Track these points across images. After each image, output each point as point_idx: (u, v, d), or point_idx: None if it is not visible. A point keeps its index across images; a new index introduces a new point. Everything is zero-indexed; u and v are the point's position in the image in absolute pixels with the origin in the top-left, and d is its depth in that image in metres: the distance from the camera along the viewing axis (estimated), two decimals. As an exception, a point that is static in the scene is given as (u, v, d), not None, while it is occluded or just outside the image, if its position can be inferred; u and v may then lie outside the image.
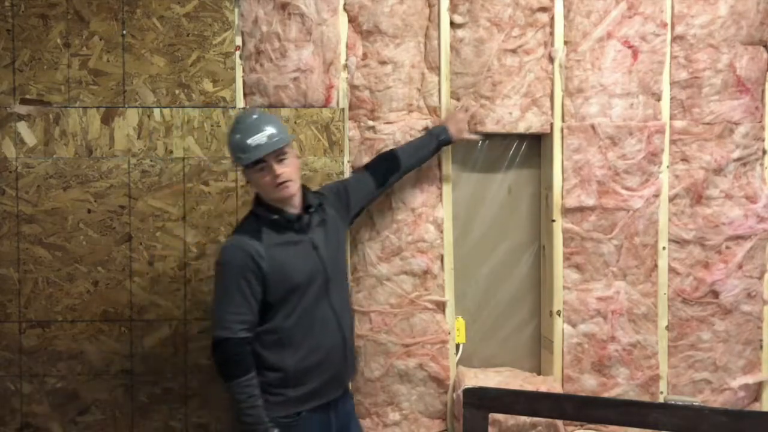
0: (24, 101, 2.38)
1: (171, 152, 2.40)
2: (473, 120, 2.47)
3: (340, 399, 2.03)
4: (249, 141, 1.88)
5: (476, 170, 2.61)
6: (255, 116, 1.94)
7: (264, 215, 1.93)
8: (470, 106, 2.42)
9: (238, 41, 2.42)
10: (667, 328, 2.52)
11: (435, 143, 2.34)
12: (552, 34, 2.48)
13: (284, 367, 1.90)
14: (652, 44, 2.48)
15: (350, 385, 2.15)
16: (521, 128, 2.48)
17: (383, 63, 2.44)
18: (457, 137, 2.38)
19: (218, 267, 1.91)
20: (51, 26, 2.38)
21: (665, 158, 2.50)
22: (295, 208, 1.96)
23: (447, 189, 2.49)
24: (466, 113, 2.41)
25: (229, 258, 1.88)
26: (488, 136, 2.58)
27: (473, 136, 2.43)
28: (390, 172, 2.27)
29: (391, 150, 2.32)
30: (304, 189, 2.02)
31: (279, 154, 1.90)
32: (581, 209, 2.48)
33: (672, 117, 2.51)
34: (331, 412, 1.99)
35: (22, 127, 2.37)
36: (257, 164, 1.89)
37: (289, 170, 1.91)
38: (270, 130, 1.89)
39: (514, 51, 2.46)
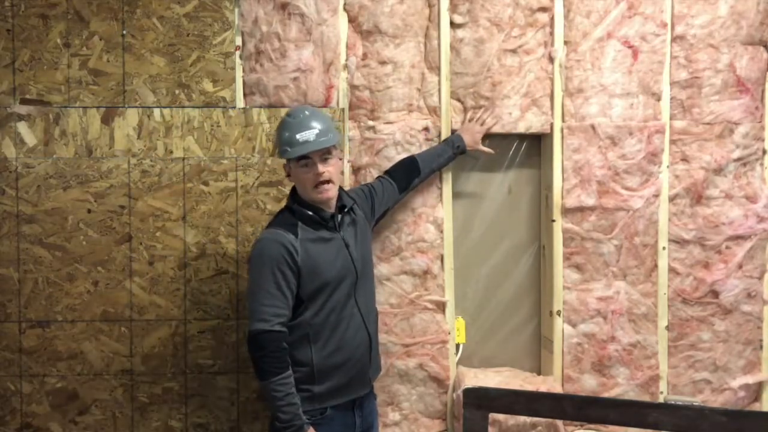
0: (24, 101, 2.38)
1: (171, 152, 2.40)
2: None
3: (365, 398, 2.07)
4: (297, 136, 1.93)
5: (476, 170, 2.61)
6: (307, 112, 1.99)
7: (300, 211, 1.97)
8: (486, 121, 2.44)
9: (238, 41, 2.42)
10: (667, 328, 2.52)
11: (451, 152, 2.38)
12: (552, 34, 2.48)
13: (310, 363, 1.93)
14: (652, 44, 2.48)
15: (374, 385, 2.17)
16: (521, 128, 2.49)
17: (383, 63, 2.44)
18: (472, 148, 2.42)
19: (253, 259, 1.93)
20: (51, 26, 2.38)
21: (665, 158, 2.50)
22: (330, 207, 2.01)
23: (447, 189, 2.49)
24: (482, 127, 2.43)
25: (265, 250, 1.90)
26: (488, 136, 2.58)
27: (488, 149, 2.47)
28: (411, 177, 2.32)
29: (411, 156, 2.36)
30: (340, 189, 2.06)
31: (324, 154, 1.95)
32: (581, 209, 2.48)
33: (672, 117, 2.51)
34: (356, 410, 2.03)
35: (22, 127, 2.37)
36: (301, 160, 1.94)
37: (331, 170, 1.96)
38: (319, 128, 1.94)
39: (514, 51, 2.46)
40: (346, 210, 2.05)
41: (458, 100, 2.48)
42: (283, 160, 2.03)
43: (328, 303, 1.95)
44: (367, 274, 2.11)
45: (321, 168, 1.93)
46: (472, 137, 2.41)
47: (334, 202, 2.02)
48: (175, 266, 2.40)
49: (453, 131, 2.47)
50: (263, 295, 1.87)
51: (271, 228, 1.97)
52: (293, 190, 2.04)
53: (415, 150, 2.44)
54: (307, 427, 1.87)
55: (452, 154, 2.38)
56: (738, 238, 2.51)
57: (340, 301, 1.97)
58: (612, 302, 2.49)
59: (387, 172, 2.33)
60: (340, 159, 2.09)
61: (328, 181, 1.95)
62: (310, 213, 1.97)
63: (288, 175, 2.03)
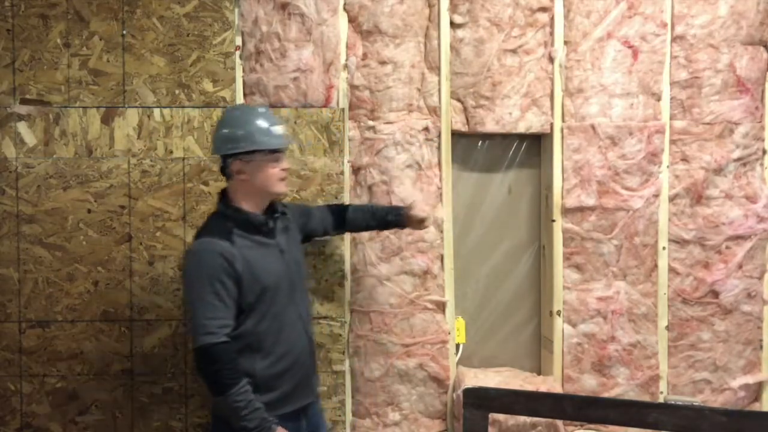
0: (24, 101, 2.38)
1: (171, 152, 2.40)
2: (473, 120, 2.48)
3: (309, 405, 2.00)
4: (274, 128, 1.89)
5: (476, 170, 2.61)
6: (264, 109, 1.96)
7: (234, 216, 1.89)
8: (436, 219, 2.32)
9: (238, 41, 2.42)
10: (667, 328, 2.52)
11: (389, 219, 2.22)
12: (552, 34, 2.48)
13: (254, 373, 1.85)
14: (652, 44, 2.48)
15: (317, 390, 2.08)
16: (521, 128, 2.49)
17: (383, 63, 2.44)
18: (413, 225, 2.23)
19: (190, 272, 1.84)
20: (51, 26, 2.38)
21: (665, 158, 2.50)
22: (261, 211, 1.94)
23: (447, 189, 2.49)
24: (428, 221, 2.24)
25: (202, 261, 1.81)
26: (488, 136, 2.58)
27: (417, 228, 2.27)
28: (337, 220, 2.22)
29: (348, 206, 2.27)
30: None
31: (285, 150, 1.96)
32: (581, 209, 2.48)
33: (672, 117, 2.51)
34: (302, 418, 1.96)
35: (22, 127, 2.37)
36: (274, 153, 1.89)
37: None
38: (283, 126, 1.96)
39: (514, 51, 2.46)
40: (276, 216, 1.97)
41: (458, 100, 2.48)
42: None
43: (269, 311, 1.88)
44: (302, 282, 2.03)
45: (285, 164, 1.93)
46: (417, 216, 2.19)
47: (265, 207, 1.96)
48: (175, 266, 2.40)
49: (453, 131, 2.48)
50: (206, 308, 1.79)
51: (204, 237, 1.86)
52: (223, 193, 1.94)
53: (414, 150, 2.44)
54: (276, 426, 1.79)
55: (390, 221, 2.22)
56: (738, 238, 2.51)
57: (280, 308, 1.90)
58: (612, 302, 2.49)
59: (328, 205, 2.29)
60: None
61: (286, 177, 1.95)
62: (247, 217, 1.89)
63: (239, 172, 1.88)
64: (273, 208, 1.97)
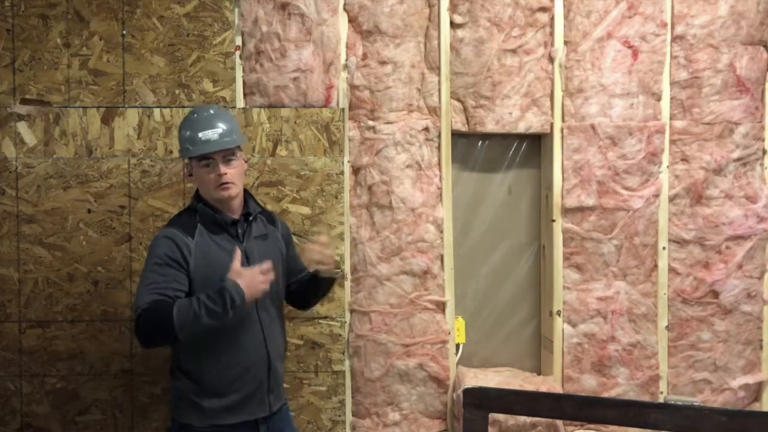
0: (24, 101, 2.38)
1: (171, 152, 2.40)
2: (473, 120, 2.48)
3: (269, 417, 1.92)
4: (200, 135, 1.84)
5: (476, 170, 2.61)
6: (212, 111, 1.90)
7: (203, 211, 1.88)
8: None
9: (238, 41, 2.42)
10: (667, 328, 2.52)
11: (308, 276, 2.03)
12: (552, 34, 2.48)
13: (201, 377, 1.83)
14: (652, 44, 2.48)
15: (283, 405, 1.97)
16: (521, 128, 2.49)
17: (383, 63, 2.44)
18: (316, 270, 1.99)
19: (147, 256, 1.85)
20: (51, 26, 2.38)
21: (665, 158, 2.50)
22: (233, 213, 1.90)
23: (447, 189, 2.49)
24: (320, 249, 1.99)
25: (159, 247, 1.83)
26: (488, 136, 2.58)
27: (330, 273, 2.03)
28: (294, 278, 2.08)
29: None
30: (248, 196, 1.96)
31: (227, 155, 1.85)
32: (581, 209, 2.48)
33: (672, 117, 2.51)
34: (259, 426, 1.89)
35: (22, 127, 2.37)
36: (203, 160, 1.85)
37: (233, 172, 1.86)
38: (223, 128, 1.85)
39: (514, 51, 2.46)
40: (251, 218, 1.92)
41: (458, 100, 2.48)
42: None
43: None
44: (273, 298, 1.93)
45: (223, 169, 1.83)
46: (309, 257, 1.97)
47: (237, 207, 1.91)
48: (175, 266, 2.39)
49: (453, 131, 2.48)
50: (149, 283, 1.79)
51: (169, 228, 1.88)
52: (197, 191, 1.93)
53: (414, 150, 2.44)
54: (229, 281, 1.70)
55: (308, 276, 2.02)
56: (738, 238, 2.51)
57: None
58: (612, 302, 2.49)
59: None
60: (246, 161, 1.98)
61: (230, 182, 1.85)
62: (213, 215, 1.87)
63: (189, 175, 1.91)
64: (248, 210, 1.93)
